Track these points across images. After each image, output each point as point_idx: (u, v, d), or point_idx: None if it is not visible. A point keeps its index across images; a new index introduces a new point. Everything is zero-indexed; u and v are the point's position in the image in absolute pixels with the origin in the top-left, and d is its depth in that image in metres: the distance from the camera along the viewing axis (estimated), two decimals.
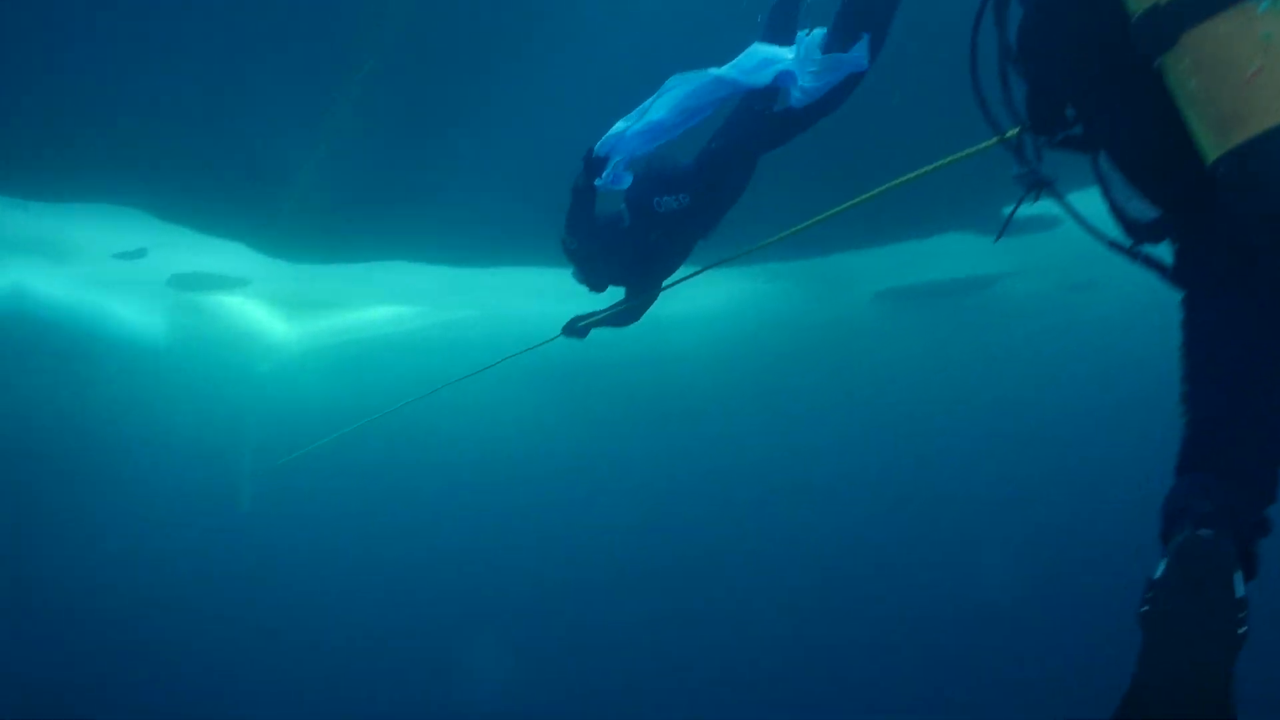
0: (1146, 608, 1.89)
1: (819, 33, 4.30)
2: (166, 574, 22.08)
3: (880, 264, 17.53)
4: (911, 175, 3.91)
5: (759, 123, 4.96)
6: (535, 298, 14.35)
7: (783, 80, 4.33)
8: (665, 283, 5.62)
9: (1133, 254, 2.35)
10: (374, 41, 8.83)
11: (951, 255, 17.34)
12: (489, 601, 23.36)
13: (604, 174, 4.60)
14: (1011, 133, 2.51)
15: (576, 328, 5.75)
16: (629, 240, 5.20)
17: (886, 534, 27.30)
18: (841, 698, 17.60)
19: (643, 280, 5.50)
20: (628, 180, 4.72)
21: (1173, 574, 1.88)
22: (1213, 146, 1.85)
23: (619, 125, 4.60)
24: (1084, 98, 2.24)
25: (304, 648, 20.36)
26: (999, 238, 3.86)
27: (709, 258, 5.49)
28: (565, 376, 23.33)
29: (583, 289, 5.61)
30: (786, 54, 4.26)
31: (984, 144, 3.26)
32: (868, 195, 4.16)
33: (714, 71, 4.30)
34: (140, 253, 14.60)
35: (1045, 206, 2.63)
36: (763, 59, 4.32)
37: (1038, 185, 2.52)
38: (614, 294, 5.69)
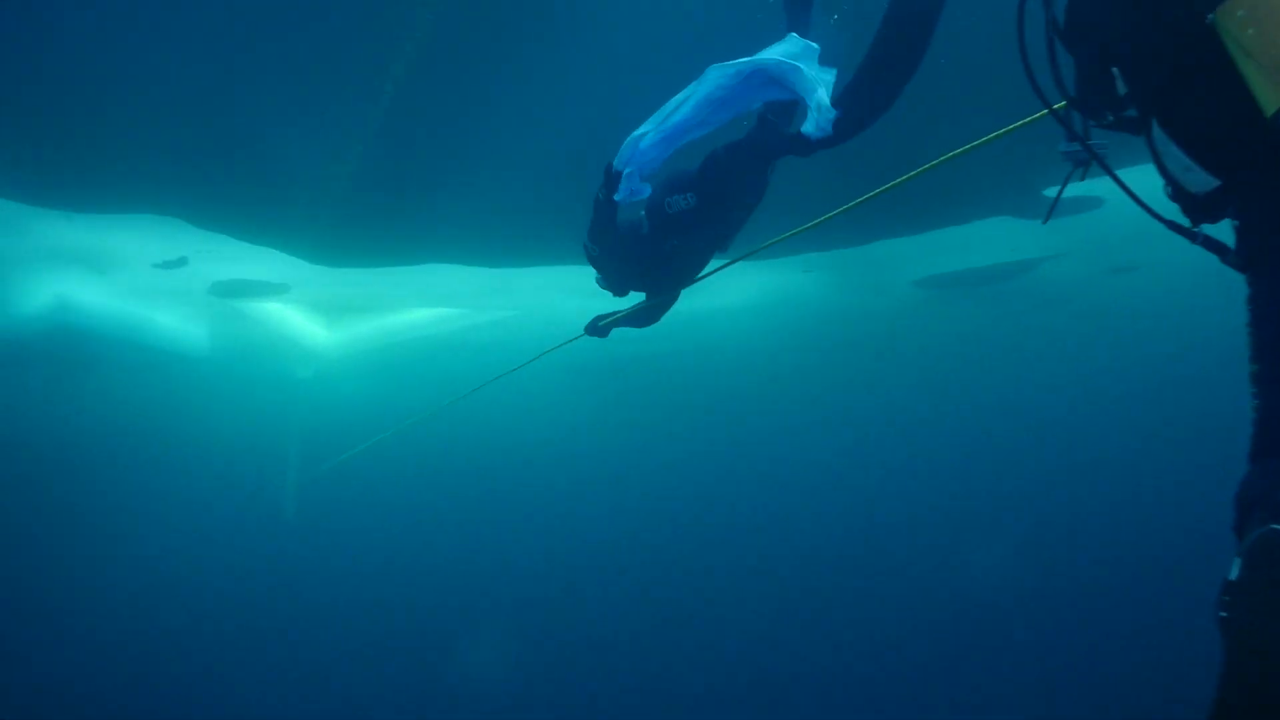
0: (1225, 613, 1.71)
1: (831, 76, 4.16)
2: (208, 578, 22.44)
3: (919, 251, 17.30)
4: (954, 153, 3.80)
5: (769, 135, 4.97)
6: (574, 296, 14.36)
7: (803, 105, 4.23)
8: (696, 276, 5.65)
9: (1191, 235, 2.25)
10: (404, 43, 8.85)
11: (991, 240, 17.07)
12: (518, 598, 23.52)
13: (621, 190, 4.67)
14: (1060, 105, 2.40)
15: (598, 326, 5.90)
16: (648, 247, 5.29)
17: (930, 522, 27.09)
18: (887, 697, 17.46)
19: (662, 286, 5.61)
20: (646, 191, 4.77)
21: (1251, 574, 1.70)
22: (1272, 99, 1.78)
23: (642, 127, 4.57)
24: (1135, 66, 2.13)
25: (349, 648, 20.58)
26: (1048, 218, 3.73)
27: (741, 248, 5.44)
28: (600, 372, 23.39)
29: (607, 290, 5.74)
30: (828, 76, 4.15)
31: (1031, 116, 3.16)
32: (909, 176, 4.06)
33: (753, 59, 4.18)
34: (181, 261, 14.76)
35: (1088, 187, 2.53)
36: (804, 52, 4.18)
37: (1088, 160, 2.42)
38: (636, 295, 5.84)
